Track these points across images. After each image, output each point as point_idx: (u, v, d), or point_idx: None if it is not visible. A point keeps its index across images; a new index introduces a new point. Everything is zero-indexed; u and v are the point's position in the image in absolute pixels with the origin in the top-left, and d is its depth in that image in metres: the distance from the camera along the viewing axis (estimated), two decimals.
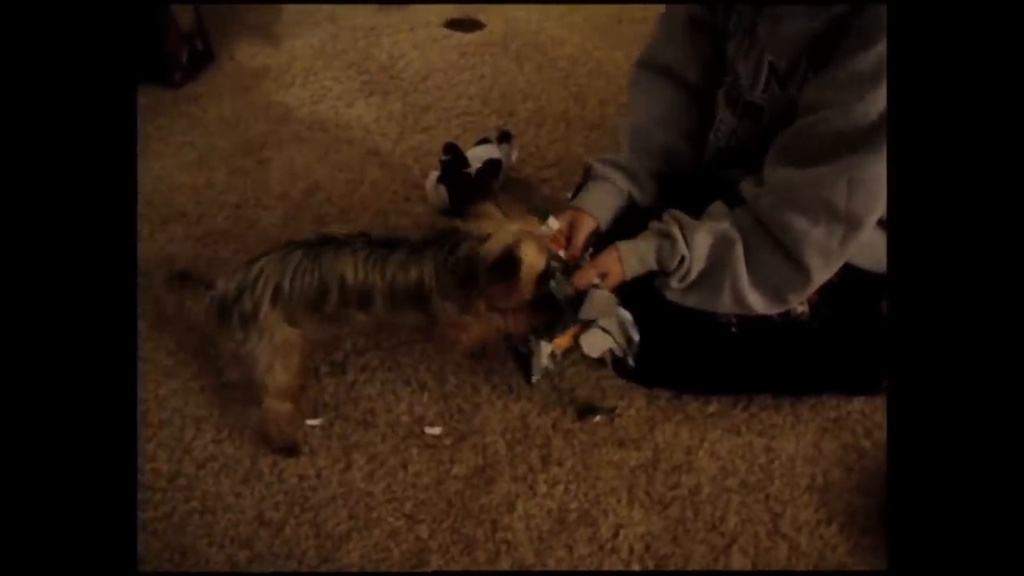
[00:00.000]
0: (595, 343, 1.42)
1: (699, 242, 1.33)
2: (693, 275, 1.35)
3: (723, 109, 1.47)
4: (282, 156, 2.05)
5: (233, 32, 2.47)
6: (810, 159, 1.22)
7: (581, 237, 1.48)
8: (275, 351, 1.30)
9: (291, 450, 1.43)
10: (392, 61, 2.38)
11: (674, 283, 1.37)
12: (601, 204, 1.53)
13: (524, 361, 1.53)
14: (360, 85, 2.29)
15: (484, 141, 1.97)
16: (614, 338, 1.41)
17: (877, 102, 1.14)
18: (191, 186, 1.96)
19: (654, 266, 1.37)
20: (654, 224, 1.38)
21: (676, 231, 1.34)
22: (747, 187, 1.35)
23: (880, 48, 1.12)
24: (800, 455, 1.44)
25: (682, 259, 1.33)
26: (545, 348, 1.46)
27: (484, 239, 1.24)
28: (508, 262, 1.23)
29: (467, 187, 1.78)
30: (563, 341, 1.44)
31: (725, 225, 1.33)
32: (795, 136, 1.26)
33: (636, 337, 1.41)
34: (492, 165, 1.86)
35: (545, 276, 1.30)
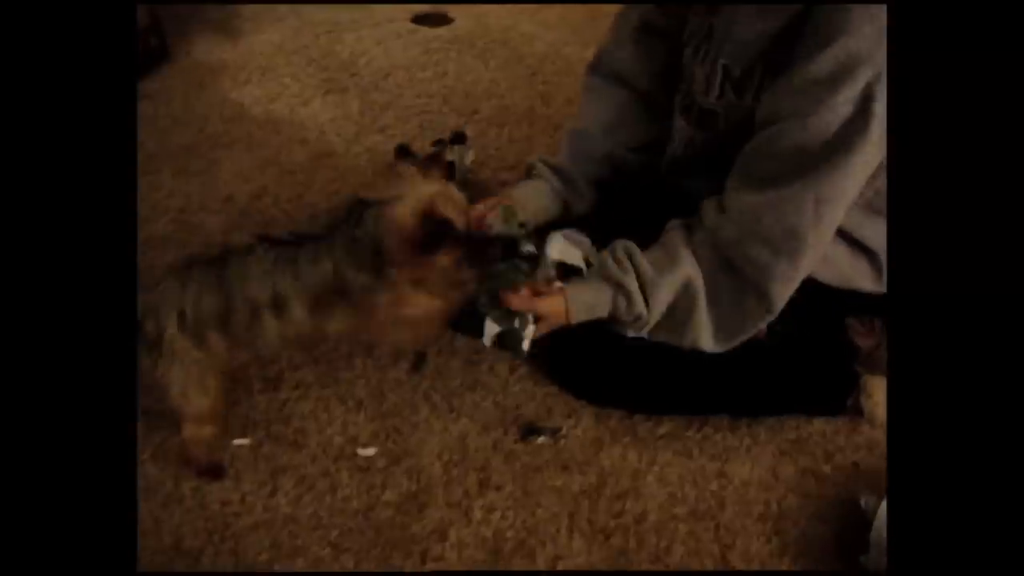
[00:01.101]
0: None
1: (659, 299, 1.23)
2: (650, 326, 1.27)
3: (678, 117, 1.39)
4: (232, 157, 1.97)
5: (191, 27, 2.39)
6: (770, 180, 1.13)
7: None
8: (187, 376, 1.22)
9: (215, 473, 1.35)
10: (353, 58, 2.30)
11: (629, 333, 1.29)
12: (529, 200, 1.44)
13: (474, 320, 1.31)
14: (319, 83, 2.21)
15: (439, 143, 1.88)
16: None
17: (837, 109, 1.05)
18: None
19: (604, 316, 1.27)
20: (608, 268, 1.26)
21: (633, 286, 1.23)
22: (708, 212, 1.24)
23: (836, 50, 1.03)
24: (754, 480, 1.36)
25: (639, 316, 1.24)
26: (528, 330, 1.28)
27: (390, 202, 1.12)
28: (432, 230, 1.11)
29: None
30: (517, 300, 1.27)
31: (687, 271, 1.22)
32: (753, 154, 1.17)
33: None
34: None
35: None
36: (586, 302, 1.26)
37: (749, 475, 1.36)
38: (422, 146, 1.89)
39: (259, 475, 1.36)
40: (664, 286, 1.22)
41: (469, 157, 1.88)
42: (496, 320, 1.26)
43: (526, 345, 1.26)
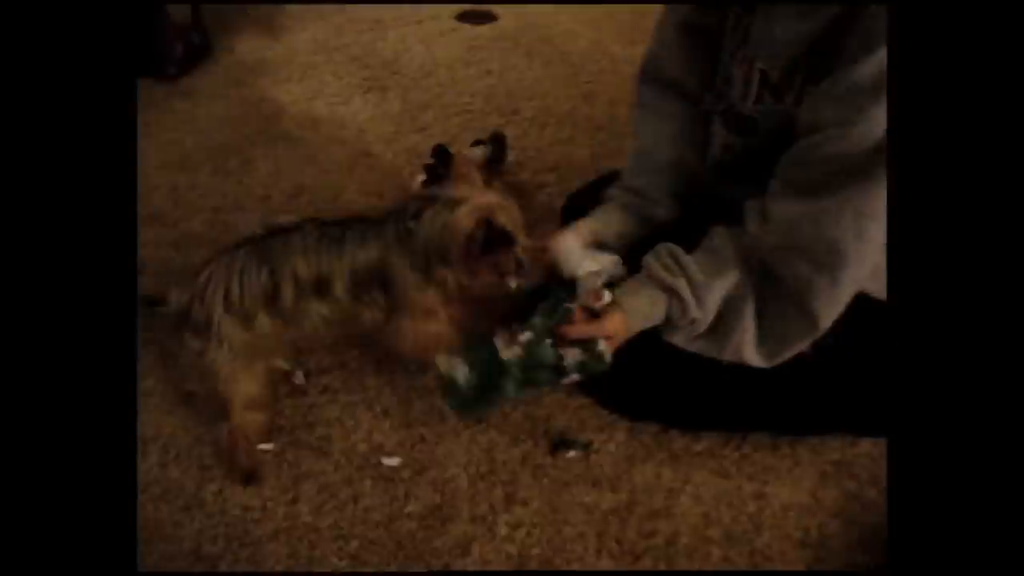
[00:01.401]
0: None
1: (711, 302, 1.18)
2: (700, 330, 1.22)
3: (715, 121, 1.32)
4: (269, 156, 1.95)
5: (235, 24, 2.39)
6: (811, 190, 1.07)
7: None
8: (235, 359, 1.21)
9: (251, 476, 1.33)
10: (395, 56, 2.27)
11: (679, 338, 1.24)
12: (607, 225, 1.37)
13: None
14: (359, 81, 2.18)
15: (479, 143, 1.84)
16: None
17: (879, 119, 0.98)
18: (172, 186, 1.87)
19: (659, 322, 1.22)
20: (655, 273, 1.20)
21: (685, 290, 1.17)
22: (751, 218, 1.18)
23: (881, 56, 0.96)
24: (795, 504, 1.29)
25: (693, 321, 1.19)
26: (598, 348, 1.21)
27: (456, 204, 1.13)
28: (494, 232, 1.13)
29: None
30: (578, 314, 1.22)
31: (734, 277, 1.17)
32: (792, 163, 1.11)
33: None
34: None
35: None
36: (644, 313, 1.21)
37: (789, 498, 1.29)
38: (461, 147, 1.85)
39: (282, 482, 1.33)
40: (714, 289, 1.17)
41: (508, 159, 1.84)
42: (568, 349, 1.21)
43: (608, 358, 1.21)
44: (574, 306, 1.22)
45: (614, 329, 1.21)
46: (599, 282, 1.24)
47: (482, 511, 1.28)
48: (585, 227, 1.35)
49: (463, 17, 2.42)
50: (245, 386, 1.25)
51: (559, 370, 1.21)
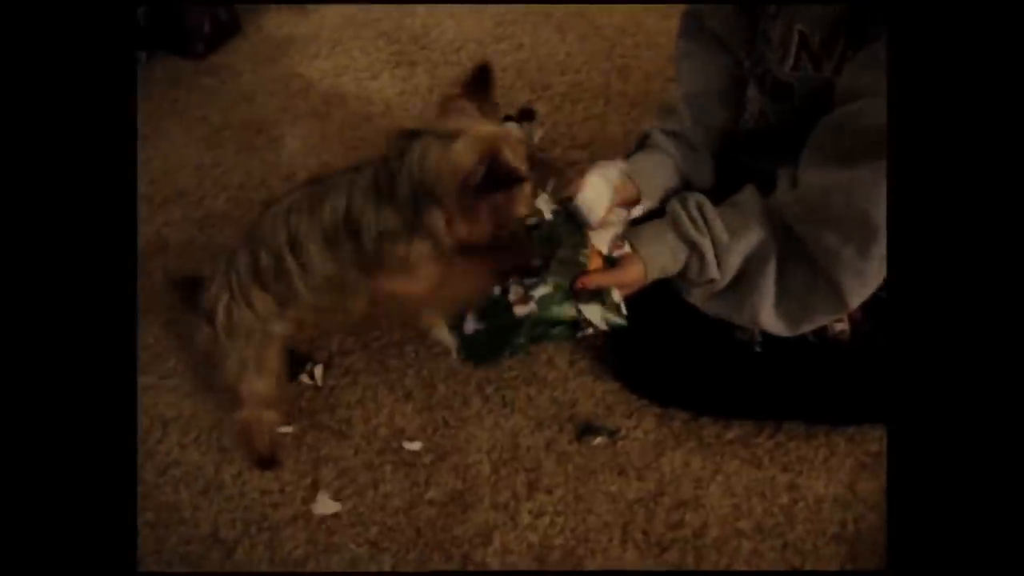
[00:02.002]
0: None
1: (732, 264, 1.12)
2: (718, 289, 1.16)
3: (751, 85, 1.26)
4: (296, 133, 1.91)
5: (263, 1, 2.35)
6: (846, 159, 1.00)
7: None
8: (245, 350, 1.18)
9: (268, 462, 1.31)
10: (425, 30, 2.21)
11: (697, 297, 1.18)
12: (647, 176, 1.29)
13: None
14: (388, 56, 2.13)
15: (508, 118, 1.79)
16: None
17: None
18: (197, 164, 1.85)
19: (674, 274, 1.16)
20: (681, 224, 1.14)
21: (709, 250, 1.12)
22: (781, 185, 1.13)
23: None
24: (830, 496, 1.23)
25: (711, 280, 1.13)
26: (610, 300, 1.14)
27: (449, 138, 0.93)
28: (498, 170, 0.93)
29: None
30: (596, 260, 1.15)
31: (758, 237, 1.11)
32: (829, 130, 1.04)
33: None
34: None
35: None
36: (662, 265, 1.15)
37: (824, 490, 1.24)
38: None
39: (301, 465, 1.31)
40: (737, 251, 1.11)
41: (537, 135, 1.78)
42: (587, 304, 1.13)
43: (624, 310, 1.14)
44: (587, 256, 1.15)
45: (631, 280, 1.15)
46: (620, 230, 1.18)
47: (504, 498, 1.25)
48: (618, 172, 1.26)
49: None
50: (253, 380, 1.21)
51: (576, 325, 1.14)
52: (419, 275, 1.07)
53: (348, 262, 1.07)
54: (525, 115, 1.77)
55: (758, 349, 1.22)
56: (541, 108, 1.91)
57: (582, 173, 1.22)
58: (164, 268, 1.62)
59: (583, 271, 1.13)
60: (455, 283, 1.10)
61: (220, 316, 1.16)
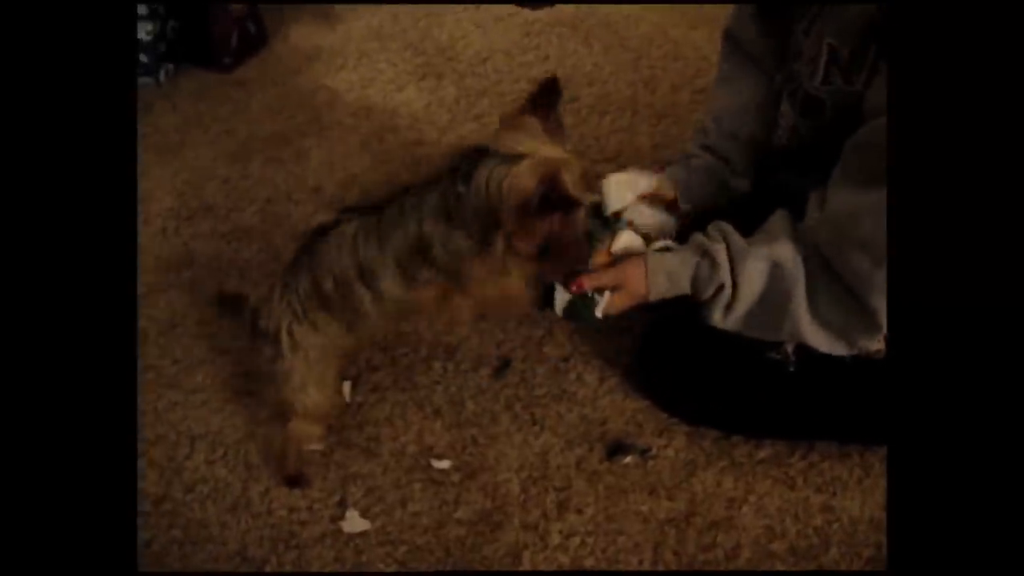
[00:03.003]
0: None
1: (750, 272, 1.08)
2: (740, 310, 1.11)
3: (784, 101, 1.24)
4: (322, 145, 1.91)
5: (291, 13, 2.35)
6: (873, 179, 0.98)
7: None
8: (309, 366, 1.18)
9: (296, 480, 1.30)
10: (452, 41, 2.21)
11: (716, 315, 1.13)
12: (686, 181, 1.33)
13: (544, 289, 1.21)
14: (414, 68, 2.13)
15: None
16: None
17: None
18: (225, 177, 1.85)
19: (687, 290, 1.13)
20: (697, 238, 1.15)
21: (721, 252, 1.10)
22: (811, 209, 1.10)
23: None
24: (865, 518, 1.21)
25: (720, 287, 1.10)
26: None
27: (513, 160, 0.96)
28: (554, 194, 0.95)
29: None
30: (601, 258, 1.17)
31: (786, 250, 1.08)
32: (856, 149, 1.02)
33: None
34: None
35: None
36: (667, 270, 1.12)
37: (859, 511, 1.22)
38: None
39: (329, 483, 1.30)
40: (754, 258, 1.08)
41: (566, 147, 1.77)
42: (567, 288, 1.15)
43: (599, 312, 1.14)
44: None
45: (630, 279, 1.13)
46: (639, 243, 1.18)
47: (534, 518, 1.24)
48: (655, 176, 1.28)
49: (521, 1, 2.34)
50: (312, 394, 1.21)
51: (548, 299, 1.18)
52: (487, 288, 1.11)
53: (422, 285, 1.09)
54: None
55: (792, 369, 1.20)
56: (568, 120, 1.88)
57: None
58: (191, 282, 1.62)
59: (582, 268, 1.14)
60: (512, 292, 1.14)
61: (283, 337, 1.16)
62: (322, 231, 1.13)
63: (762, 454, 1.29)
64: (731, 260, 1.10)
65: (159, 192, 1.81)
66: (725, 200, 1.35)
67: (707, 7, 2.24)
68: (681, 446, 1.31)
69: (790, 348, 1.19)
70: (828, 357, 1.14)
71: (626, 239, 1.18)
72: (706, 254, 1.11)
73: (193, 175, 1.86)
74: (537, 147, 0.98)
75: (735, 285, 1.09)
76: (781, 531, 1.21)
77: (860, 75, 1.04)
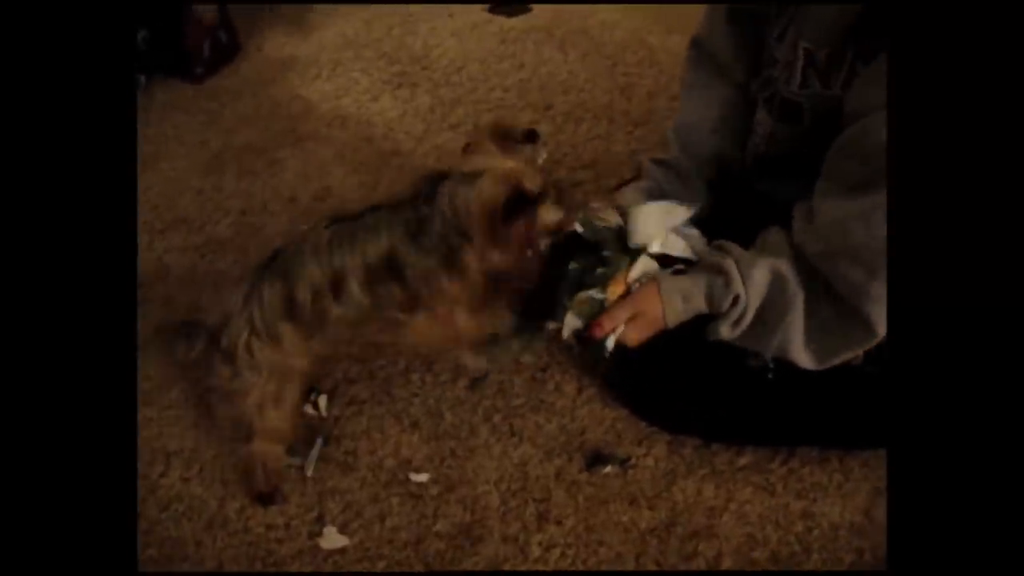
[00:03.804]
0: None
1: (757, 279, 1.08)
2: (749, 318, 1.11)
3: (760, 108, 1.24)
4: (297, 156, 1.90)
5: (264, 22, 2.34)
6: (859, 185, 0.97)
7: None
8: (266, 385, 1.17)
9: (268, 498, 1.28)
10: (426, 50, 2.21)
11: (724, 329, 1.13)
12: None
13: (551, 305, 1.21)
14: (389, 77, 2.12)
15: None
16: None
17: None
18: (198, 189, 1.83)
19: (702, 308, 1.13)
20: (702, 256, 1.16)
21: (731, 265, 1.09)
22: (798, 223, 1.10)
23: None
24: (846, 524, 1.21)
25: (736, 298, 1.09)
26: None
27: (473, 177, 1.01)
28: (515, 201, 1.01)
29: None
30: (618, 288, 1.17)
31: (786, 263, 1.08)
32: (839, 155, 1.02)
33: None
34: None
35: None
36: (681, 291, 1.13)
37: (840, 517, 1.22)
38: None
39: (306, 498, 1.28)
40: (761, 267, 1.08)
41: (542, 156, 1.76)
42: (579, 314, 1.16)
43: (611, 344, 1.15)
44: (605, 296, 1.16)
45: (647, 307, 1.13)
46: (655, 268, 1.18)
47: (514, 530, 1.23)
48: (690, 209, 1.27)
49: (496, 8, 2.34)
50: (270, 414, 1.20)
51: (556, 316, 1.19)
52: (455, 313, 1.14)
53: (388, 301, 1.12)
54: (529, 137, 1.75)
55: (771, 376, 1.20)
56: (544, 128, 1.90)
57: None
58: (166, 296, 1.60)
59: (602, 310, 1.15)
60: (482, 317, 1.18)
61: (241, 353, 1.14)
62: (293, 242, 1.14)
63: (742, 461, 1.29)
64: (741, 273, 1.09)
65: None
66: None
67: (683, 13, 2.24)
68: (661, 455, 1.30)
69: (769, 355, 1.19)
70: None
71: (643, 265, 1.17)
72: (718, 270, 1.11)
73: (167, 187, 1.84)
74: (495, 162, 1.03)
75: (747, 296, 1.09)
76: (762, 538, 1.20)
77: (838, 78, 1.04)
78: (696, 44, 1.36)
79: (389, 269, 1.09)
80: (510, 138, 1.09)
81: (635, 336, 1.16)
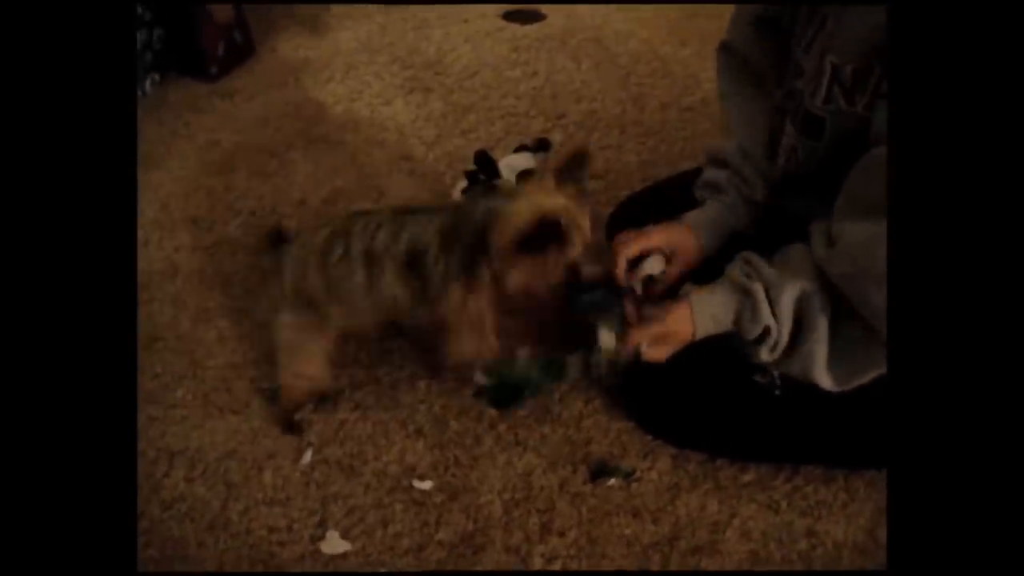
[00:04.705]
0: None
1: (784, 305, 1.08)
2: (783, 344, 1.11)
3: (786, 120, 1.23)
4: (308, 158, 1.90)
5: (279, 23, 2.35)
6: (883, 207, 0.97)
7: (676, 269, 1.28)
8: (297, 340, 1.30)
9: (290, 427, 1.37)
10: (440, 56, 2.21)
11: (764, 355, 1.13)
12: (714, 228, 1.32)
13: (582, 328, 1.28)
14: (402, 81, 2.12)
15: (523, 148, 1.78)
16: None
17: None
18: (209, 189, 1.83)
19: (728, 327, 1.14)
20: (732, 273, 1.15)
21: (759, 291, 1.09)
22: (817, 242, 1.08)
23: None
24: (849, 543, 1.21)
25: (767, 329, 1.10)
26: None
27: (514, 196, 1.07)
28: (542, 235, 1.06)
29: None
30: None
31: (811, 285, 1.07)
32: (863, 176, 1.00)
33: None
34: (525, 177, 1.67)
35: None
36: (711, 310, 1.14)
37: (843, 536, 1.21)
38: (504, 152, 1.79)
39: (309, 502, 1.28)
40: (788, 291, 1.08)
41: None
42: (610, 331, 1.22)
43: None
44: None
45: (678, 326, 1.14)
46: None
47: (516, 541, 1.22)
48: (697, 219, 1.31)
49: (510, 16, 2.34)
50: (299, 362, 1.31)
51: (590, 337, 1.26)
52: (465, 319, 1.20)
53: (413, 293, 1.19)
54: (541, 145, 1.76)
55: (778, 392, 1.19)
56: (556, 137, 1.90)
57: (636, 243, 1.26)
58: (174, 296, 1.60)
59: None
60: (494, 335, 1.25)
61: (284, 302, 1.27)
62: (360, 216, 1.22)
63: (747, 477, 1.28)
64: (769, 300, 1.09)
65: (143, 203, 1.79)
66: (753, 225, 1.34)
67: (697, 25, 2.24)
68: (666, 469, 1.30)
69: (776, 372, 1.19)
70: (814, 386, 1.14)
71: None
72: (746, 293, 1.11)
73: (177, 186, 1.85)
74: (542, 191, 1.08)
75: (778, 324, 1.09)
76: (765, 556, 1.20)
77: (863, 96, 1.04)
78: (726, 49, 1.34)
79: (415, 262, 1.15)
80: (579, 168, 1.12)
81: (662, 353, 1.17)
